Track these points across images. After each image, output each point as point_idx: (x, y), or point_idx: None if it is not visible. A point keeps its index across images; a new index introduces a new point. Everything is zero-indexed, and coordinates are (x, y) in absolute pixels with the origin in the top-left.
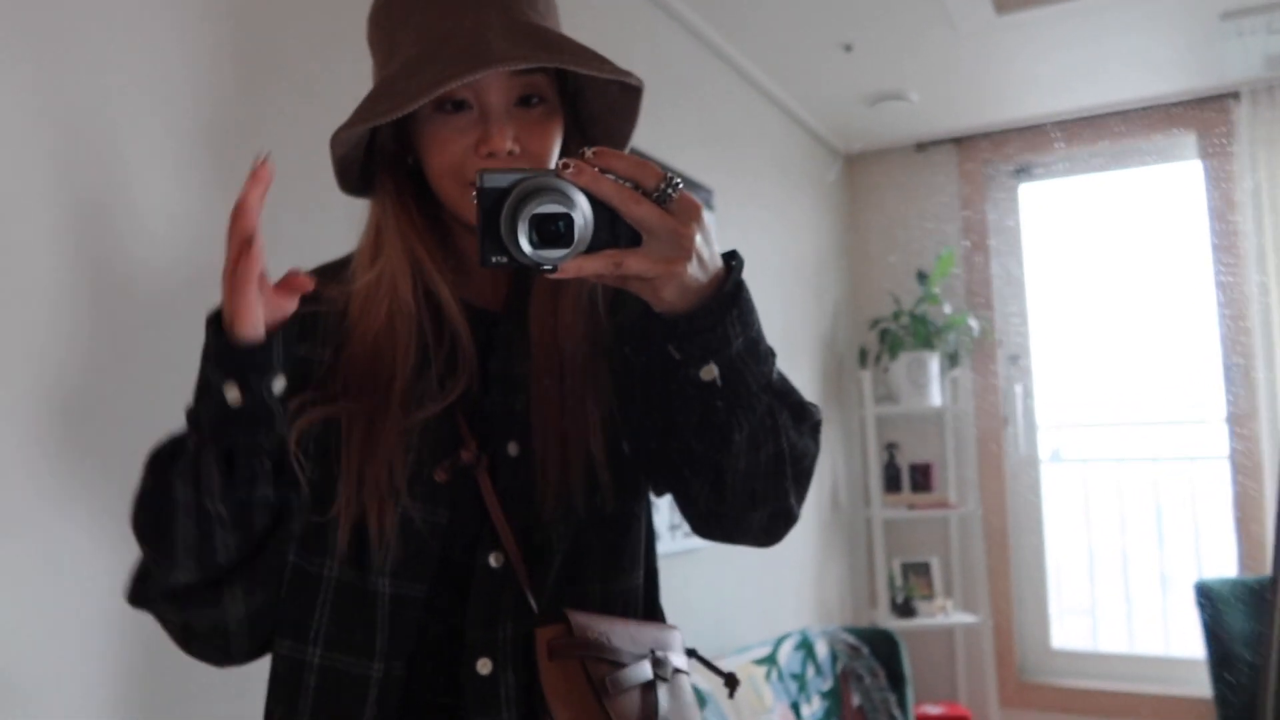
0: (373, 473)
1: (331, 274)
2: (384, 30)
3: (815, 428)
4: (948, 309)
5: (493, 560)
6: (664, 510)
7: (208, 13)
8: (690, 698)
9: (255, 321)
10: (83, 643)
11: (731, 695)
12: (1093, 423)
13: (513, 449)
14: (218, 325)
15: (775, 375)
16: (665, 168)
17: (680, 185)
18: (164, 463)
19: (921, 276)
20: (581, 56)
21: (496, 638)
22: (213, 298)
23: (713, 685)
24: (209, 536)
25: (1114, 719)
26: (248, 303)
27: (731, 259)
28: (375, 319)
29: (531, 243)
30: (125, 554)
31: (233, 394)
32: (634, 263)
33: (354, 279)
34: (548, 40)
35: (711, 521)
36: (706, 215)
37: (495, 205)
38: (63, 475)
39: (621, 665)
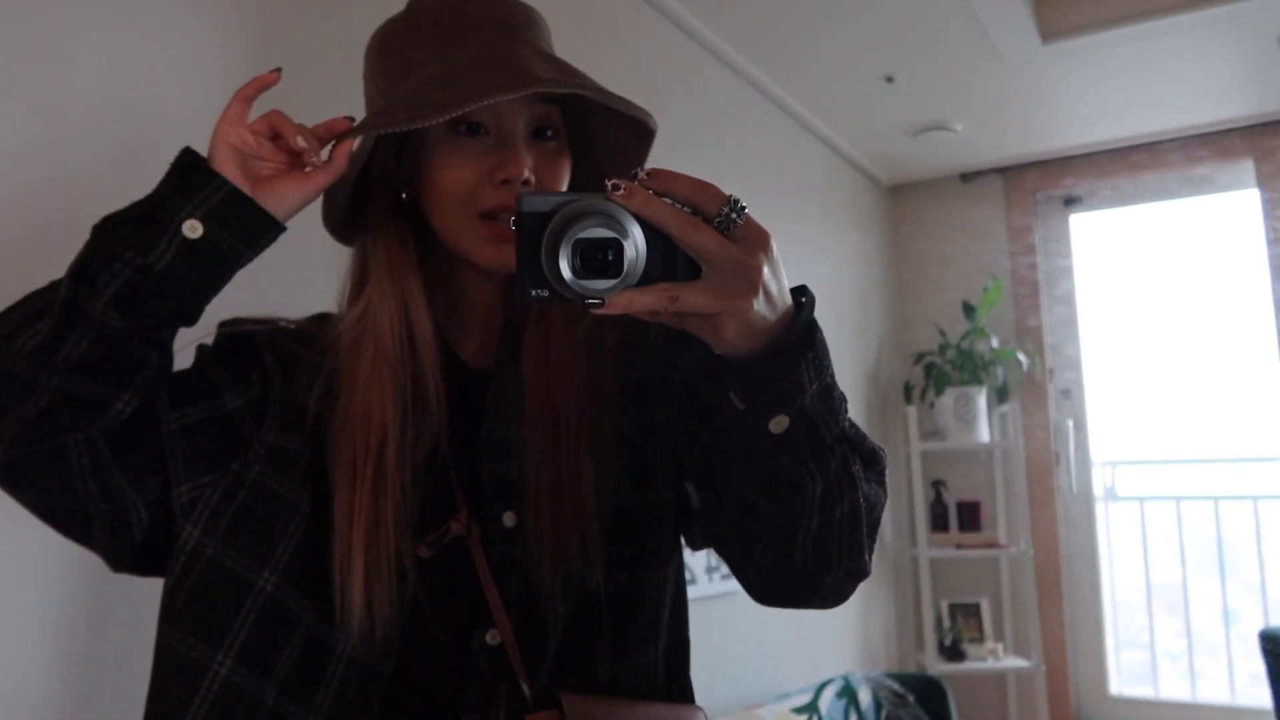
0: (370, 543)
1: (317, 324)
2: (393, 49)
3: (882, 474)
4: (995, 342)
5: (490, 638)
6: (699, 553)
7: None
8: None
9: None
10: (35, 621)
11: None
12: (1148, 459)
13: (509, 519)
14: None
15: (848, 423)
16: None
17: (745, 209)
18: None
19: (968, 309)
20: (607, 92)
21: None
22: None
23: None
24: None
25: None
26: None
27: (802, 295)
28: (362, 368)
29: (575, 271)
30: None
31: (194, 228)
32: (692, 298)
33: (339, 322)
34: (577, 73)
35: (776, 586)
36: (775, 246)
37: (536, 232)
38: None
39: None
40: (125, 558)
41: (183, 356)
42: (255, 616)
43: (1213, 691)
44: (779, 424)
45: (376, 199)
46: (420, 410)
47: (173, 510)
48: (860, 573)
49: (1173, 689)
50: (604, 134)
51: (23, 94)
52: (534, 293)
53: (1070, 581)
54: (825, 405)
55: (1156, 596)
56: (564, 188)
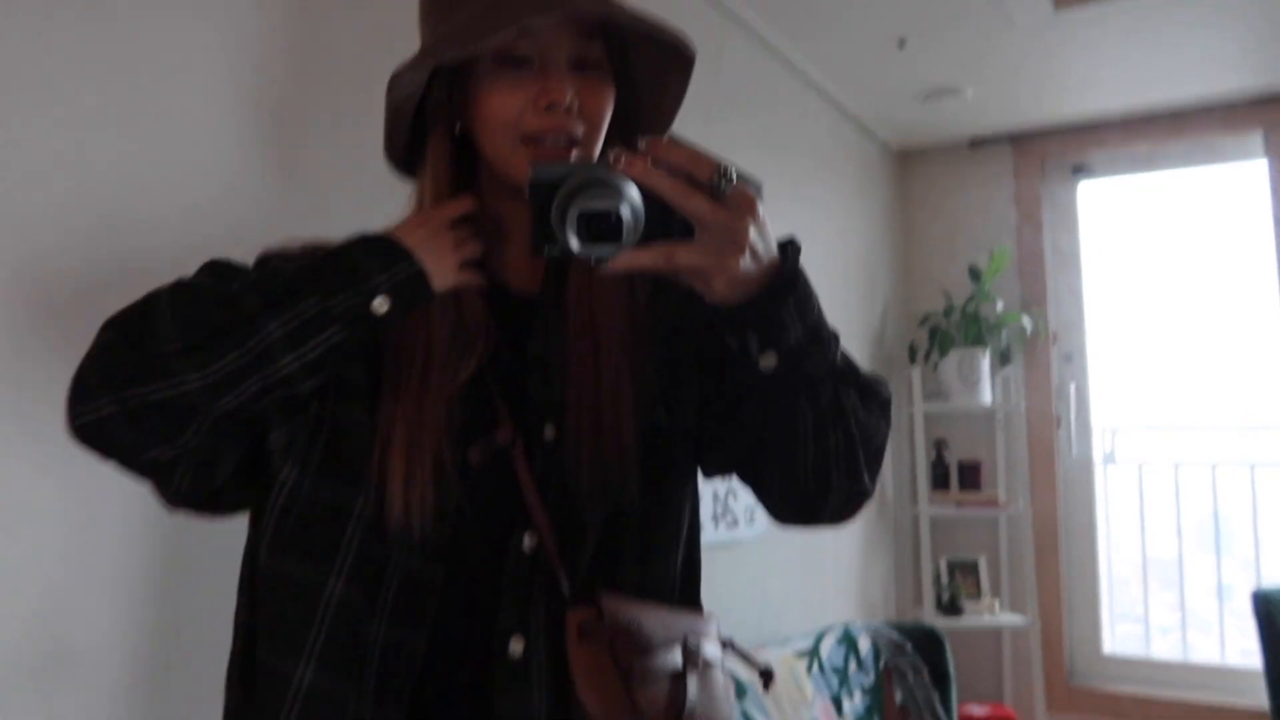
0: (411, 449)
1: None
2: None
3: (885, 405)
4: (1000, 306)
5: (526, 543)
6: (706, 500)
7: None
8: (722, 689)
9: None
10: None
11: (767, 688)
12: (1149, 425)
13: (549, 433)
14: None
15: (840, 358)
16: (720, 160)
17: (735, 178)
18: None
19: (974, 273)
20: (641, 19)
21: (529, 620)
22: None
23: (751, 674)
24: (242, 378)
25: None
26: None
27: (788, 246)
28: (421, 313)
29: (580, 239)
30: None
31: (380, 305)
32: (686, 256)
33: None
34: (615, 3)
35: (786, 508)
36: (761, 207)
37: (546, 198)
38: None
39: (651, 652)
40: (194, 501)
41: None
42: (359, 540)
43: (1205, 653)
44: (768, 361)
45: (431, 134)
46: (466, 331)
47: (261, 455)
48: (861, 495)
49: (1166, 650)
50: (645, 68)
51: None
52: (546, 249)
53: (1067, 542)
54: (812, 343)
55: (1151, 567)
56: (607, 118)
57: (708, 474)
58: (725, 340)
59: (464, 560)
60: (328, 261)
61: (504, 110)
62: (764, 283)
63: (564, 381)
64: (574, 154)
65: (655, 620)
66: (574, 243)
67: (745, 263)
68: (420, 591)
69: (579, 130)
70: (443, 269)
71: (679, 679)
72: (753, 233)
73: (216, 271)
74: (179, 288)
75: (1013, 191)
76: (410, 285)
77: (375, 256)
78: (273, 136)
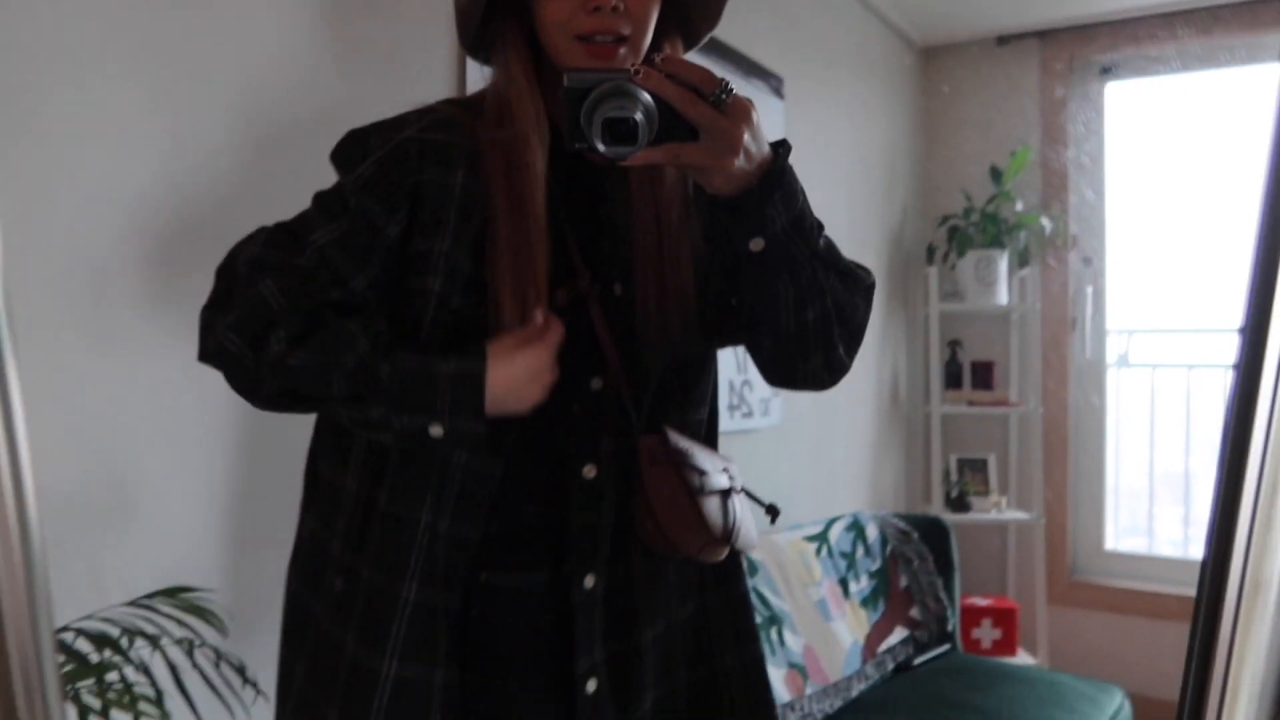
0: (522, 285)
1: (420, 121)
2: None
3: (867, 290)
4: (1020, 207)
5: (595, 384)
6: (723, 390)
7: None
8: (750, 515)
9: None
10: (192, 460)
11: (773, 522)
12: (1163, 328)
13: (617, 289)
14: (473, 379)
15: (822, 245)
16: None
17: (733, 91)
18: (300, 302)
19: (995, 174)
20: None
21: (599, 447)
22: None
23: (763, 554)
24: (297, 405)
25: (1163, 620)
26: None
27: (779, 146)
28: (512, 163)
29: (604, 142)
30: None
31: (436, 431)
32: (690, 155)
33: (484, 126)
34: None
35: (773, 369)
36: (756, 115)
37: (578, 103)
38: (173, 297)
39: (705, 475)
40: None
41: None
42: None
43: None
44: (756, 244)
45: (505, 29)
46: (548, 192)
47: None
48: (837, 365)
49: (1167, 547)
50: None
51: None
52: (578, 145)
53: (1076, 442)
54: (795, 231)
55: (1159, 475)
56: (653, 17)
57: (720, 345)
58: (723, 224)
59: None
60: (414, 376)
61: (558, 13)
62: (755, 179)
63: (629, 243)
64: (621, 50)
65: (701, 451)
66: (599, 144)
67: (740, 162)
68: (499, 423)
69: (625, 28)
70: (520, 401)
71: (727, 496)
72: (747, 137)
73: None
74: (295, 324)
75: (1039, 91)
76: (469, 435)
77: (457, 395)
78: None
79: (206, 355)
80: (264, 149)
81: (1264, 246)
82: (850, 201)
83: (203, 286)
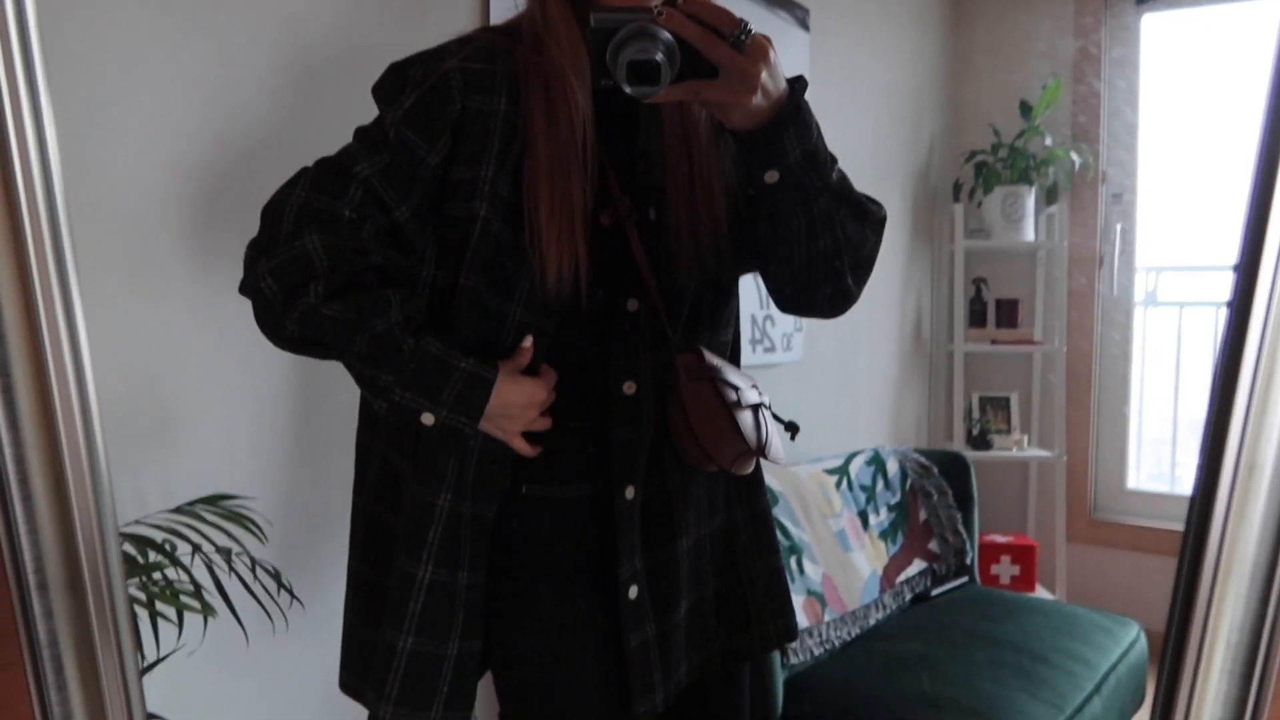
0: (560, 208)
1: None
2: None
3: (878, 223)
4: (1049, 142)
5: (630, 305)
6: (746, 324)
7: None
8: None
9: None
10: (229, 381)
11: (793, 438)
12: (1192, 265)
13: (652, 214)
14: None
15: (835, 178)
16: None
17: (752, 31)
18: (348, 248)
19: (1025, 108)
20: None
21: (637, 365)
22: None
23: (783, 485)
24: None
25: None
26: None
27: (796, 83)
28: (552, 91)
29: (629, 82)
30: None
31: (428, 419)
32: (710, 92)
33: (523, 51)
34: None
35: (784, 296)
36: (774, 54)
37: (603, 44)
38: (208, 236)
39: (738, 390)
40: None
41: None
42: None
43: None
44: (771, 176)
45: None
46: (587, 121)
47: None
48: (845, 293)
49: (1188, 486)
50: None
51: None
52: (604, 83)
53: (1100, 381)
54: (809, 164)
55: (1184, 399)
56: None
57: (739, 270)
58: (741, 156)
59: (579, 318)
60: (432, 361)
61: None
62: (772, 114)
63: (663, 170)
64: None
65: (731, 368)
66: (625, 85)
67: (757, 99)
68: (538, 339)
69: None
70: (505, 424)
71: (758, 410)
72: (764, 75)
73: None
74: (326, 279)
75: (1072, 21)
76: (454, 433)
77: (464, 392)
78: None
79: (244, 289)
80: (303, 85)
81: (1260, 181)
82: (876, 136)
83: (243, 215)
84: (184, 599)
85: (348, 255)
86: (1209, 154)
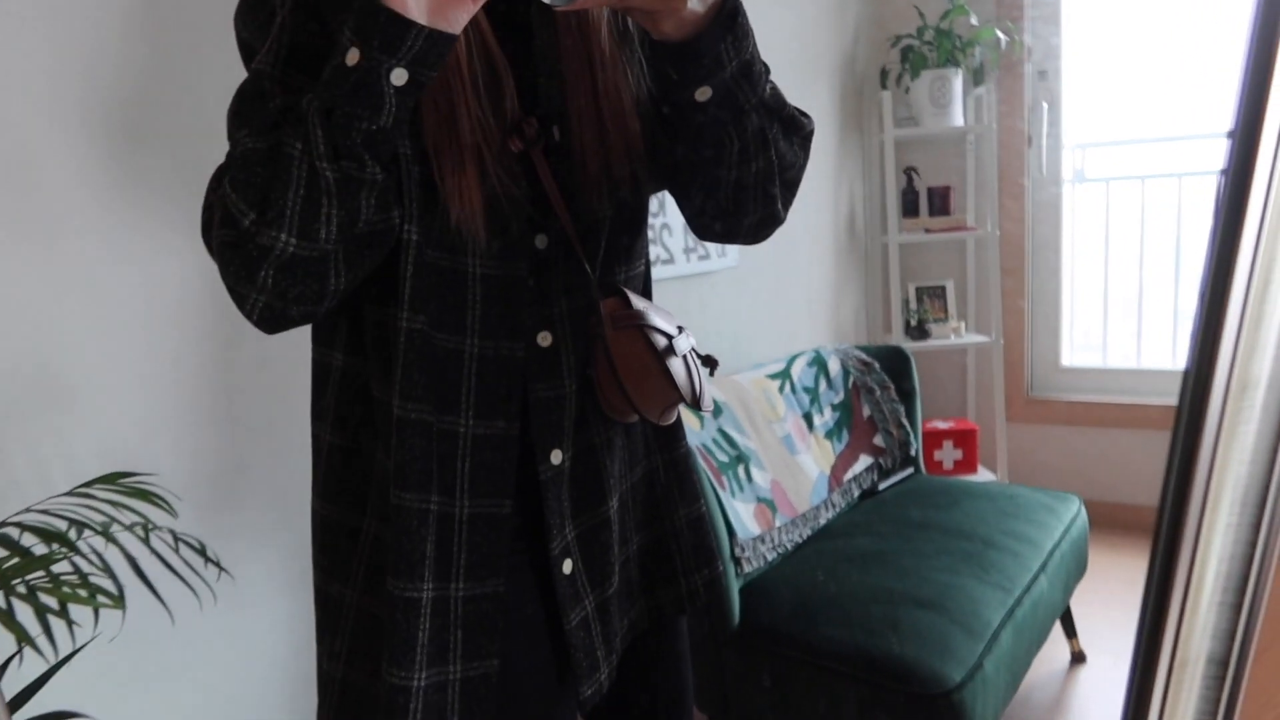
0: (457, 148)
1: None
2: None
3: (807, 138)
4: (974, 21)
5: (539, 242)
6: (678, 233)
7: None
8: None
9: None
10: (146, 338)
11: (711, 374)
12: (1119, 140)
13: (555, 133)
14: None
15: (768, 91)
16: None
17: None
18: (269, 119)
19: None
20: None
21: (553, 313)
22: None
23: (727, 394)
24: (316, 202)
25: (1117, 429)
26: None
27: None
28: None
29: None
30: (185, 251)
31: (353, 57)
32: None
33: None
34: None
35: (706, 222)
36: None
37: None
38: (119, 175)
39: (670, 335)
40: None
41: None
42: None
43: (1158, 359)
44: (703, 93)
45: None
46: (477, 29)
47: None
48: (774, 219)
49: (1121, 359)
50: None
51: None
52: None
53: (1033, 262)
54: (744, 78)
55: (1113, 290)
56: None
57: (653, 190)
58: (666, 71)
59: (488, 257)
60: (337, 68)
61: None
62: (706, 22)
63: (563, 87)
64: None
65: (654, 310)
66: None
67: (692, 3)
68: (497, 291)
69: None
70: (454, 14)
71: (687, 358)
72: None
73: (251, 110)
74: (235, 162)
75: None
76: (423, 46)
77: (383, 30)
78: None
79: (226, 278)
80: (172, 27)
81: (1256, 48)
82: (800, 25)
83: (142, 166)
84: (85, 593)
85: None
86: (1132, 26)
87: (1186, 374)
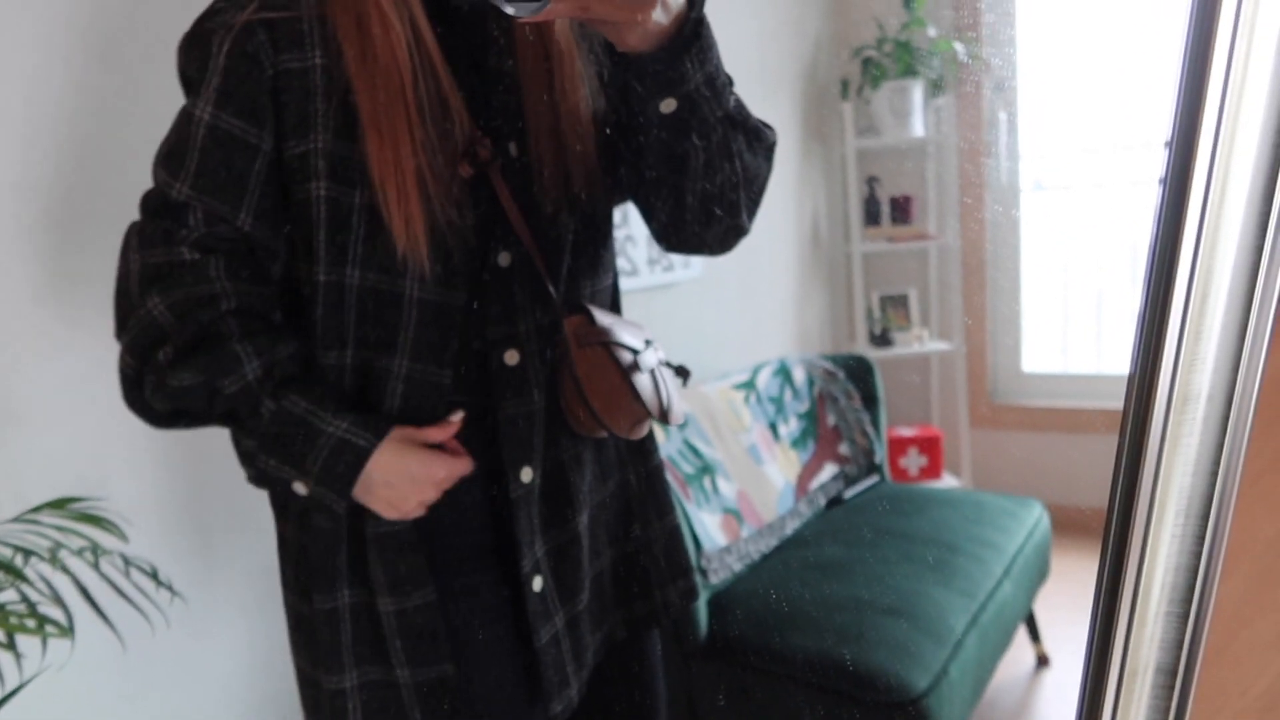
0: (401, 176)
1: None
2: None
3: (770, 149)
4: (933, 33)
5: (501, 260)
6: (642, 245)
7: None
8: (676, 385)
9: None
10: (93, 358)
11: (684, 384)
12: (1078, 148)
13: (513, 149)
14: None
15: (732, 103)
16: None
17: None
18: (193, 277)
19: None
20: None
21: (518, 331)
22: None
23: (692, 405)
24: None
25: (1078, 433)
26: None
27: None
28: (367, 25)
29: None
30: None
31: (300, 489)
32: (602, 9)
33: None
34: None
35: (671, 235)
36: None
37: None
38: (66, 191)
39: (635, 351)
40: None
41: None
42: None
43: (1118, 365)
44: (668, 105)
45: None
46: (423, 50)
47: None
48: (738, 230)
49: (1081, 364)
50: None
51: None
52: (458, 1)
53: (994, 269)
54: (709, 90)
55: (1073, 280)
56: None
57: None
58: (631, 84)
59: (452, 277)
60: (296, 423)
61: None
62: (671, 32)
63: (520, 96)
64: None
65: (621, 324)
66: (505, 4)
67: (656, 15)
68: (439, 316)
69: None
70: (392, 501)
71: (654, 373)
72: None
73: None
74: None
75: None
76: (329, 508)
77: (329, 461)
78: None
79: (123, 387)
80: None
81: (1191, 57)
82: (761, 35)
83: (91, 183)
84: (33, 623)
85: (193, 309)
86: (1087, 36)
87: (1130, 384)
